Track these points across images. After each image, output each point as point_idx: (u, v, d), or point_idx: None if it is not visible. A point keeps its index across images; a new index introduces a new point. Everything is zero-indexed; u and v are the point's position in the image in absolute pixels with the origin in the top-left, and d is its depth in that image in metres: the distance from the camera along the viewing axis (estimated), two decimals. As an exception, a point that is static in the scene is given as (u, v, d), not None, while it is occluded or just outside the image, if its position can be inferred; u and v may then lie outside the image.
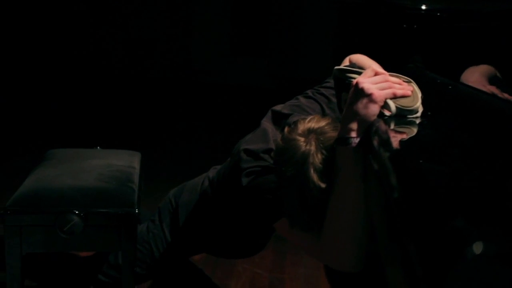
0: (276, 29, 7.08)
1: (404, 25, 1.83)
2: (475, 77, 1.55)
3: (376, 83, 1.11)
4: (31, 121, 4.67)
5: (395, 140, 0.95)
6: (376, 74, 1.15)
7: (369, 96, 1.08)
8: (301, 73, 6.56)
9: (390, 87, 1.12)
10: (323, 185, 1.16)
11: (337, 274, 2.22)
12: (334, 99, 1.50)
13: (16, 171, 1.65)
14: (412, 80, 1.22)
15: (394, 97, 1.11)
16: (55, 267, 1.81)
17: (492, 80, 1.56)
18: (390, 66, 1.28)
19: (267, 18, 7.17)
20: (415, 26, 1.82)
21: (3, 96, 5.50)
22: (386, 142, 0.95)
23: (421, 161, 0.84)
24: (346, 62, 1.67)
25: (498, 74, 1.58)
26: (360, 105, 1.09)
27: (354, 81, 1.14)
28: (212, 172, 1.67)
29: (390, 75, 1.19)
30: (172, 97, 6.40)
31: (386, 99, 1.10)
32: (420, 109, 1.14)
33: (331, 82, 1.55)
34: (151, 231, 1.67)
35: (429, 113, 1.09)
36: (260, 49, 7.27)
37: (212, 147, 3.96)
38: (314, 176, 1.16)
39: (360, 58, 1.64)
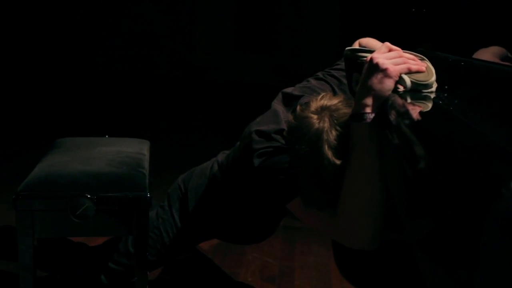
0: (279, 25, 7.07)
1: (413, 9, 1.82)
2: (486, 57, 1.54)
3: (391, 59, 1.11)
4: (39, 115, 4.70)
5: (415, 112, 0.93)
6: (390, 50, 1.15)
7: (384, 71, 1.08)
8: (305, 69, 6.55)
9: (404, 62, 1.11)
10: (338, 162, 1.15)
11: (347, 262, 2.22)
12: (345, 81, 1.50)
13: (27, 165, 1.64)
14: (425, 58, 1.21)
15: (409, 72, 1.10)
16: (66, 257, 1.80)
17: (504, 60, 1.55)
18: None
19: (270, 14, 7.17)
20: (424, 10, 1.82)
21: (11, 90, 5.53)
22: (406, 115, 0.93)
23: (446, 127, 0.82)
24: (356, 45, 1.67)
25: (509, 55, 1.57)
26: (375, 80, 1.08)
27: (369, 56, 1.13)
28: (221, 157, 1.66)
29: (404, 51, 1.18)
30: (176, 93, 6.41)
31: (400, 74, 1.09)
32: (435, 85, 1.14)
33: (341, 64, 1.54)
34: (160, 217, 1.67)
35: (446, 86, 1.08)
36: (263, 46, 7.27)
37: (217, 141, 3.95)
38: (329, 153, 1.15)
39: (370, 41, 1.64)
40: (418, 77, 1.11)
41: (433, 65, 1.19)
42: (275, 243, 2.32)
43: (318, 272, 2.16)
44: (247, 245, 2.14)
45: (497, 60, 1.55)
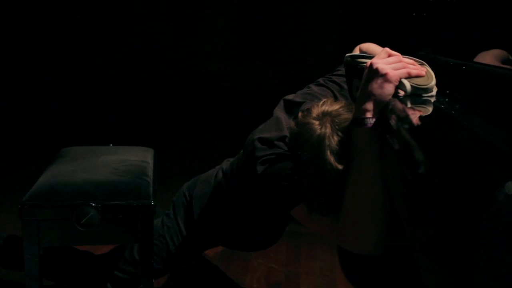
0: (282, 32, 7.09)
1: (414, 14, 1.83)
2: (487, 60, 1.54)
3: (390, 64, 1.11)
4: (44, 125, 4.73)
5: (415, 116, 0.94)
6: (390, 55, 1.15)
7: (384, 76, 1.08)
8: (308, 75, 6.55)
9: (404, 67, 1.12)
10: (340, 167, 1.15)
11: (353, 267, 2.22)
12: (346, 86, 1.50)
13: (32, 174, 1.66)
14: (425, 62, 1.22)
15: (409, 77, 1.11)
16: (72, 266, 1.81)
17: (505, 63, 1.55)
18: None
19: (273, 21, 7.19)
20: (425, 14, 1.82)
21: (16, 100, 5.57)
22: (406, 120, 0.94)
23: (447, 131, 0.83)
24: (356, 50, 1.68)
25: (511, 57, 1.57)
26: (375, 85, 1.09)
27: (368, 62, 1.14)
28: (225, 164, 1.67)
29: (403, 56, 1.19)
30: (180, 100, 6.43)
31: (400, 78, 1.10)
32: (435, 89, 1.14)
33: (342, 70, 1.55)
34: (166, 225, 1.68)
35: (447, 90, 1.08)
36: (266, 52, 7.29)
37: (221, 148, 3.97)
38: (331, 158, 1.15)
39: (370, 46, 1.64)
40: (418, 81, 1.12)
41: (433, 69, 1.19)
42: (280, 249, 2.32)
43: (323, 277, 2.16)
44: (252, 251, 2.14)
45: (498, 64, 1.55)
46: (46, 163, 1.69)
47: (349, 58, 1.32)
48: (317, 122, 1.21)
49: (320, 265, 2.25)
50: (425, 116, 0.98)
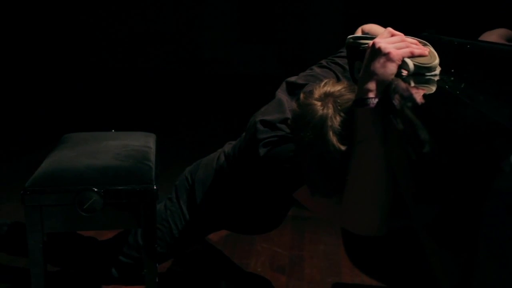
0: (284, 15, 7.04)
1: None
2: (492, 39, 1.52)
3: (393, 43, 1.10)
4: (46, 112, 4.72)
5: (418, 95, 0.92)
6: (393, 35, 1.14)
7: (386, 55, 1.07)
8: (311, 58, 6.47)
9: (407, 47, 1.10)
10: (343, 148, 1.14)
11: (357, 250, 2.22)
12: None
13: (35, 161, 1.65)
14: (428, 43, 1.20)
15: (412, 56, 1.10)
16: (76, 252, 1.82)
17: (510, 42, 1.53)
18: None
19: (275, 5, 7.13)
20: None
21: (18, 88, 5.56)
22: (410, 99, 0.93)
23: (451, 110, 0.82)
24: (358, 32, 1.66)
25: (516, 36, 1.55)
26: (378, 65, 1.07)
27: (371, 42, 1.13)
28: (227, 147, 1.67)
29: (406, 36, 1.17)
30: (182, 86, 6.42)
31: (403, 57, 1.08)
32: (438, 68, 1.13)
33: (345, 52, 1.53)
34: (168, 209, 1.67)
35: (452, 70, 1.07)
36: (268, 36, 7.24)
37: (223, 133, 3.95)
38: (334, 139, 1.14)
39: (373, 27, 1.62)
40: (421, 60, 1.11)
41: (438, 49, 1.18)
42: (284, 233, 2.32)
43: (328, 260, 2.16)
44: (256, 235, 2.14)
45: (503, 41, 1.53)
46: (48, 150, 1.69)
47: (351, 40, 1.31)
48: (319, 103, 1.20)
49: (324, 248, 2.25)
50: (428, 95, 0.97)
